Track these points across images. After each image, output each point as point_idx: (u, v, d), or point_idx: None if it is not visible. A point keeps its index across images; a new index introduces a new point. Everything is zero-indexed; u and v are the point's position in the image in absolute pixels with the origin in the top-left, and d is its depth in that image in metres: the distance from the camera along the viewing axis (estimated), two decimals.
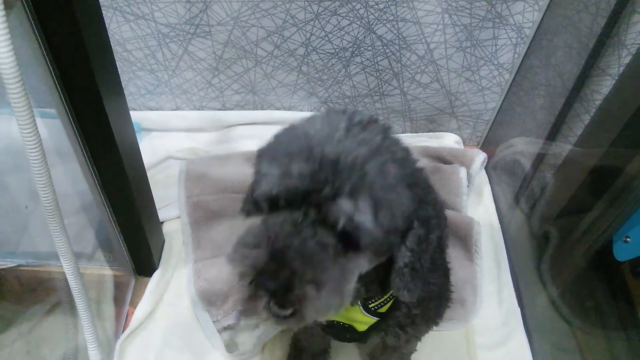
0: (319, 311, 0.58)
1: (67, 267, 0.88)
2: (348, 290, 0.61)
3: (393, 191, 0.57)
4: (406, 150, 0.63)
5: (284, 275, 0.55)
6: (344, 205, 0.54)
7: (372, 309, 0.79)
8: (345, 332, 0.86)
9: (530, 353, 1.17)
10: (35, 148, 0.72)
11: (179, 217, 1.38)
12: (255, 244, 0.58)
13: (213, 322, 1.15)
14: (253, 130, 1.64)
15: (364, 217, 0.54)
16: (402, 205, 0.59)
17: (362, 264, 0.62)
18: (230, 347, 1.14)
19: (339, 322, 0.84)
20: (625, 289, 1.09)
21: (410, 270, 0.66)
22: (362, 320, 0.81)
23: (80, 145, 0.92)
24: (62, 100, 0.84)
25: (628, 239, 1.02)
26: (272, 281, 0.56)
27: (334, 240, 0.57)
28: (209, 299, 1.18)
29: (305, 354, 1.08)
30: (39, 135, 0.72)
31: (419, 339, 0.99)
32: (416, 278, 0.67)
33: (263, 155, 0.61)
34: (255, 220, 0.62)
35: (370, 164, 0.56)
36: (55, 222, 0.81)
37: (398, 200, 0.58)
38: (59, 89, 0.82)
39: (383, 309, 0.80)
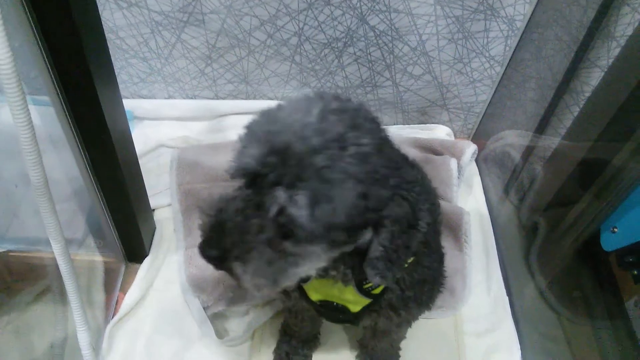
0: (248, 287, 0.62)
1: (56, 248, 0.88)
2: (289, 274, 0.62)
3: (338, 186, 0.55)
4: (378, 145, 0.60)
5: (219, 247, 0.60)
6: (280, 195, 0.55)
7: (366, 289, 0.79)
8: (338, 313, 0.86)
9: (518, 341, 1.18)
10: (27, 130, 0.71)
11: (170, 204, 1.38)
12: (209, 213, 0.62)
13: (203, 308, 1.16)
14: (245, 120, 1.63)
15: (298, 211, 0.55)
16: (347, 201, 0.56)
17: (314, 252, 0.61)
18: (221, 333, 1.15)
19: (332, 302, 0.84)
20: (612, 279, 1.10)
21: (384, 261, 0.65)
22: (356, 300, 0.82)
23: (72, 132, 0.92)
24: (55, 87, 0.84)
25: (615, 230, 1.03)
26: (211, 249, 0.61)
27: (272, 224, 0.58)
28: (200, 285, 1.18)
29: (295, 340, 1.09)
30: (31, 119, 0.72)
31: (410, 325, 0.99)
32: (391, 267, 0.66)
33: (245, 131, 0.64)
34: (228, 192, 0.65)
35: (320, 156, 0.55)
36: (45, 202, 0.81)
37: (342, 196, 0.56)
38: (52, 76, 0.82)
39: (377, 290, 0.80)
